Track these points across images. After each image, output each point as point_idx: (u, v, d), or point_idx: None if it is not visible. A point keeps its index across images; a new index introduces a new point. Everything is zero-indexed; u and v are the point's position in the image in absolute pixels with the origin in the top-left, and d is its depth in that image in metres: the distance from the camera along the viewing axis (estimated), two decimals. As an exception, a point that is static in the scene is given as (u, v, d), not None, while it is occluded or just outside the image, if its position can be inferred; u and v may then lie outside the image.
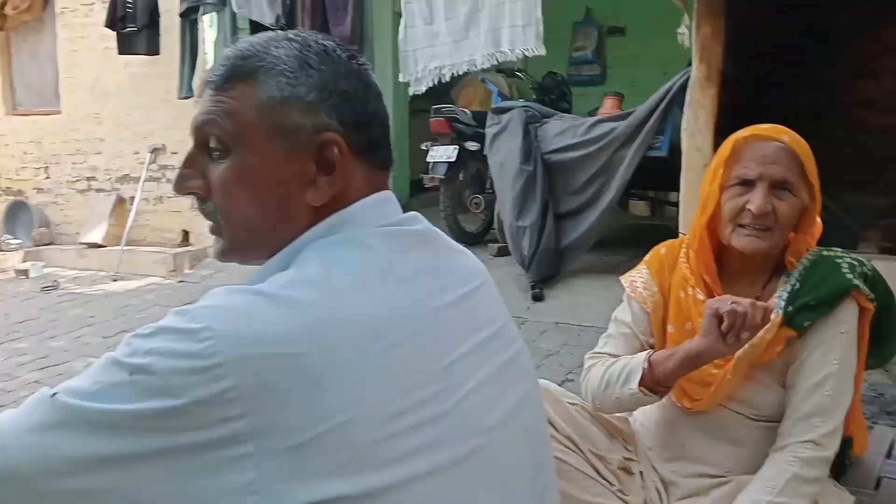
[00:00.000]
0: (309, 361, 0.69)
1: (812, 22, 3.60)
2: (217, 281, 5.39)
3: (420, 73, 4.44)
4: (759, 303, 1.24)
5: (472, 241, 5.28)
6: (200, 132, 0.84)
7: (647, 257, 1.57)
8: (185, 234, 6.15)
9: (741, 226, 1.36)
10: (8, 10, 6.83)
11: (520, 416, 0.87)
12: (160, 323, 0.71)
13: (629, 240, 5.33)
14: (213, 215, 0.86)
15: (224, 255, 0.88)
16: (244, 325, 0.69)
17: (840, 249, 1.41)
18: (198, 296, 3.43)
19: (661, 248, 1.55)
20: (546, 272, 4.29)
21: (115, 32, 5.91)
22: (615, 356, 1.49)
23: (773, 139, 1.36)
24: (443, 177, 5.13)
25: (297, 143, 0.81)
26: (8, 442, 0.70)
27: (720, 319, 1.24)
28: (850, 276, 1.33)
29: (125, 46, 5.92)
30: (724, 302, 1.24)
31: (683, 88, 3.67)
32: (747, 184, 1.35)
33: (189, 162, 0.85)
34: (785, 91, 3.79)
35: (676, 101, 3.89)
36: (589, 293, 4.15)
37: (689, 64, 3.68)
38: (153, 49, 5.82)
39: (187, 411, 0.66)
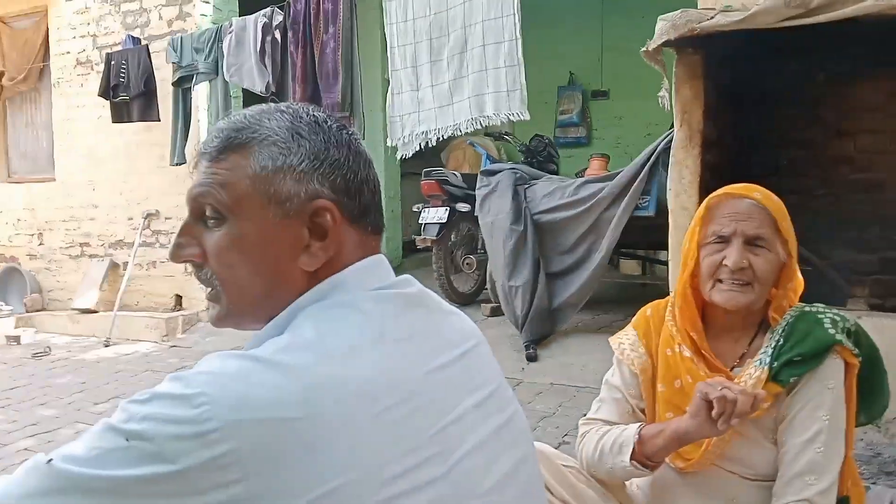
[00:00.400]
0: (304, 426, 0.70)
1: (789, 83, 3.72)
2: (210, 346, 5.36)
3: (407, 137, 4.53)
4: (750, 391, 1.26)
5: (465, 301, 5.30)
6: (196, 202, 0.86)
7: (634, 319, 1.59)
8: (178, 298, 6.13)
9: (720, 281, 1.40)
10: (5, 81, 6.98)
11: (516, 480, 0.87)
12: (155, 389, 0.72)
13: (621, 298, 5.36)
14: (209, 282, 0.87)
15: (220, 320, 0.90)
16: (239, 390, 0.70)
17: (822, 305, 1.43)
18: (190, 360, 3.43)
19: (648, 310, 1.58)
20: (539, 332, 4.30)
21: (108, 101, 6.01)
22: (608, 422, 1.51)
23: (746, 196, 1.41)
24: (435, 238, 5.19)
25: (291, 211, 0.83)
26: None
27: (710, 404, 1.25)
28: (832, 331, 1.36)
29: (118, 115, 6.01)
30: (715, 387, 1.25)
31: (668, 149, 3.76)
32: (723, 240, 1.40)
33: (185, 230, 0.88)
34: (767, 150, 3.89)
35: (661, 161, 3.99)
36: (583, 353, 4.15)
37: (673, 125, 3.78)
38: (148, 116, 5.91)
39: (184, 477, 0.67)
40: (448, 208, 5.20)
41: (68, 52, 6.72)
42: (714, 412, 1.24)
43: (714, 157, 3.53)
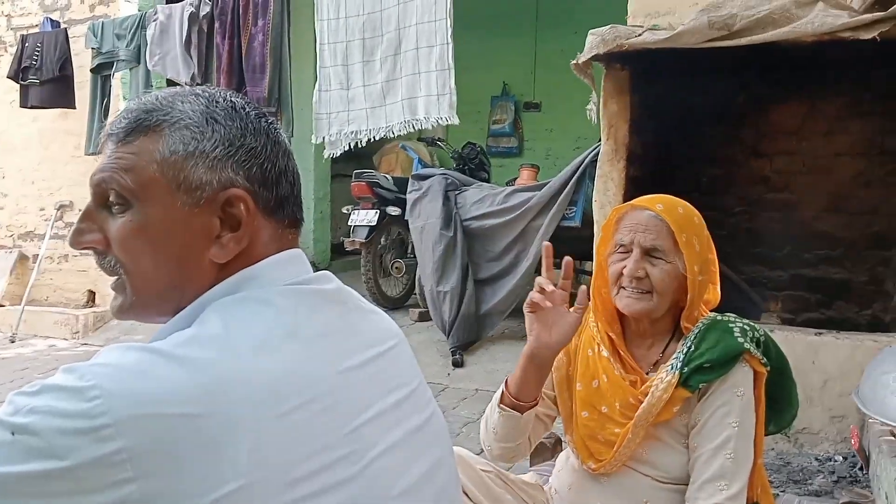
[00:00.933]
0: (205, 423, 0.66)
1: (713, 102, 3.86)
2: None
3: (335, 136, 4.49)
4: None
5: (393, 305, 5.27)
6: (99, 187, 0.81)
7: None
8: (91, 294, 5.91)
9: (623, 288, 1.45)
10: None
11: (432, 482, 0.85)
12: (47, 381, 0.67)
13: (546, 306, 5.41)
14: (114, 270, 0.83)
15: (123, 312, 0.85)
16: (136, 384, 0.66)
17: (734, 315, 1.48)
18: (99, 359, 3.22)
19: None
20: (466, 338, 4.31)
21: (17, 84, 5.74)
22: None
23: (647, 209, 1.45)
24: (364, 240, 5.14)
25: (202, 199, 0.79)
26: None
27: (533, 309, 1.37)
28: (741, 339, 1.40)
29: (26, 99, 5.74)
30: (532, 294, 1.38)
31: (595, 161, 3.84)
32: (625, 250, 1.45)
33: (87, 216, 0.83)
34: (689, 166, 4.02)
35: (588, 173, 4.07)
36: (509, 359, 4.17)
37: (600, 138, 3.86)
38: (62, 103, 5.65)
39: (73, 474, 0.63)
40: (378, 211, 5.16)
41: (-21, 32, 6.38)
42: (527, 306, 1.36)
43: (638, 171, 3.62)
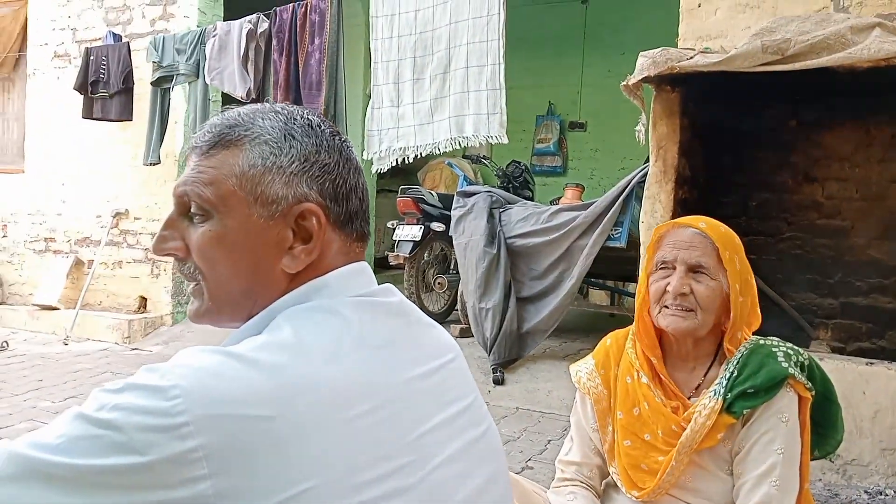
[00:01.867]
0: (277, 425, 0.69)
1: (764, 126, 3.82)
2: (171, 350, 5.27)
3: (384, 152, 4.55)
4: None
5: (434, 320, 5.28)
6: (182, 197, 0.86)
7: (595, 349, 1.62)
8: (143, 300, 6.02)
9: (666, 307, 1.44)
10: (-22, 68, 6.86)
11: (487, 496, 0.86)
12: (130, 379, 0.70)
13: (589, 327, 5.41)
14: (192, 276, 0.87)
15: (199, 316, 0.89)
16: (214, 384, 0.69)
17: (777, 339, 1.46)
18: (150, 363, 3.38)
19: (608, 339, 1.61)
20: (507, 355, 4.31)
21: (82, 96, 5.92)
22: (579, 465, 1.56)
23: (690, 226, 1.45)
24: (408, 255, 5.19)
25: (277, 212, 0.83)
26: None
27: None
28: (785, 364, 1.38)
29: (89, 111, 5.90)
30: None
31: (642, 182, 3.82)
32: (668, 267, 1.44)
33: (169, 224, 0.87)
34: (738, 190, 3.98)
35: (635, 194, 4.06)
36: (550, 379, 4.16)
37: (648, 159, 3.85)
38: (125, 115, 5.83)
39: (152, 469, 0.65)
40: (423, 227, 5.22)
41: (46, 44, 6.63)
42: None
43: (686, 194, 3.60)
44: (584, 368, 1.59)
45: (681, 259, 1.42)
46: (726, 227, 1.49)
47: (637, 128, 3.54)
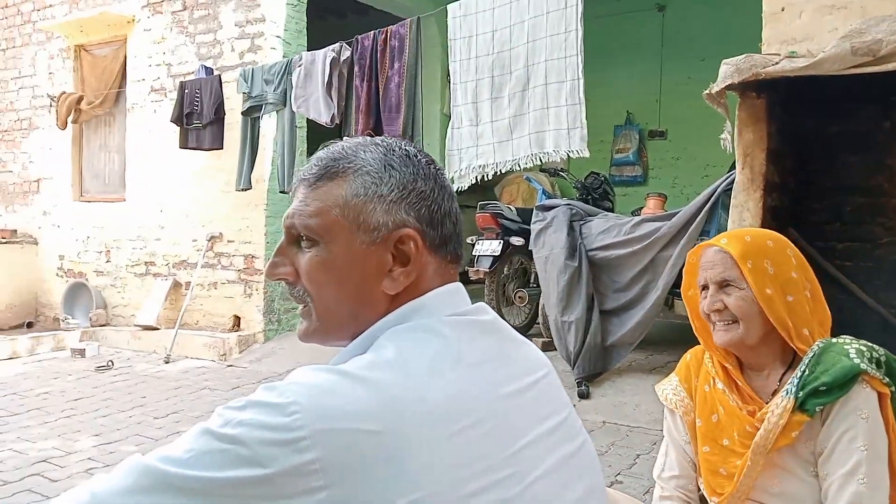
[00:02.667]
0: (385, 439, 0.73)
1: (855, 129, 3.68)
2: (264, 367, 5.48)
3: (464, 170, 4.62)
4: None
5: (516, 335, 5.30)
6: (291, 226, 0.92)
7: (677, 366, 1.68)
8: (237, 319, 6.27)
9: (714, 324, 1.50)
10: (83, 105, 7.34)
11: None
12: (250, 397, 0.76)
13: (675, 339, 5.30)
14: (301, 299, 0.93)
15: (308, 335, 0.95)
16: (327, 401, 0.74)
17: (850, 337, 1.44)
18: (245, 379, 3.57)
19: (688, 355, 1.66)
20: (592, 369, 4.28)
21: (178, 127, 6.26)
22: (678, 478, 1.58)
23: (712, 245, 1.52)
24: (487, 270, 5.23)
25: (378, 238, 0.88)
26: (103, 503, 0.74)
27: None
28: (857, 360, 1.36)
29: (185, 141, 6.24)
30: None
31: (728, 190, 3.75)
32: (705, 288, 1.52)
33: (280, 251, 0.94)
34: (831, 196, 3.84)
35: (721, 202, 3.97)
36: (636, 392, 4.11)
37: (732, 166, 3.77)
38: (217, 144, 6.14)
39: (274, 481, 0.71)
40: (502, 241, 5.25)
41: (143, 80, 7.04)
42: None
43: (776, 201, 3.51)
44: (668, 386, 1.64)
45: (709, 278, 1.49)
46: (758, 233, 1.54)
47: (722, 136, 3.48)
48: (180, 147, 6.29)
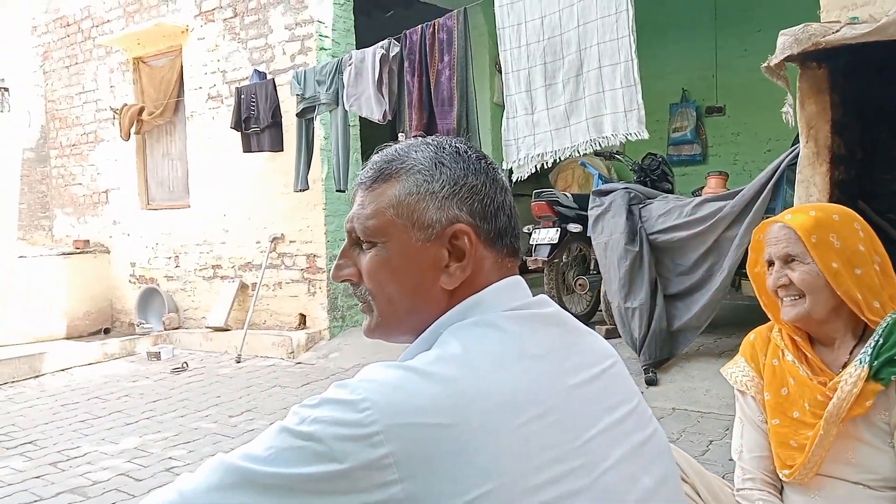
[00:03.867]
0: (455, 432, 0.75)
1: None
2: (331, 362, 5.59)
3: (522, 160, 4.59)
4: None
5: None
6: (351, 229, 0.96)
7: (740, 347, 1.68)
8: (302, 317, 6.41)
9: (781, 300, 1.52)
10: (144, 115, 7.59)
11: (659, 497, 0.89)
12: (324, 395, 0.79)
13: (744, 321, 5.16)
14: (364, 297, 0.97)
15: (371, 331, 0.99)
16: (397, 396, 0.77)
17: None
18: (314, 376, 3.66)
19: (751, 335, 1.67)
20: (659, 355, 4.21)
21: (239, 133, 6.42)
22: (758, 458, 1.56)
23: (776, 222, 1.54)
24: (546, 259, 5.20)
25: (433, 234, 0.91)
26: (190, 501, 0.79)
27: None
28: None
29: (248, 145, 6.40)
30: None
31: (793, 165, 3.63)
32: (771, 264, 1.53)
33: (343, 254, 0.98)
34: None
35: (786, 177, 3.85)
36: (706, 377, 4.03)
37: (796, 140, 3.65)
38: (277, 146, 6.26)
39: (350, 475, 0.73)
40: (559, 229, 5.21)
41: (200, 88, 7.23)
42: None
43: (843, 174, 3.38)
44: (736, 368, 1.64)
45: (773, 254, 1.51)
46: (824, 207, 1.57)
47: (784, 109, 3.37)
48: (244, 151, 6.43)
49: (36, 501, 3.20)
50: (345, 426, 0.75)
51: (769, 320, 1.65)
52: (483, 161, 0.96)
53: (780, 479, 1.54)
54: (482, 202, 0.93)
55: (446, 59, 4.87)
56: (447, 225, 0.91)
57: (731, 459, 1.65)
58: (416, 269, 0.92)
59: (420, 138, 1.00)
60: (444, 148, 0.95)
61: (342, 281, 0.98)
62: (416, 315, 0.93)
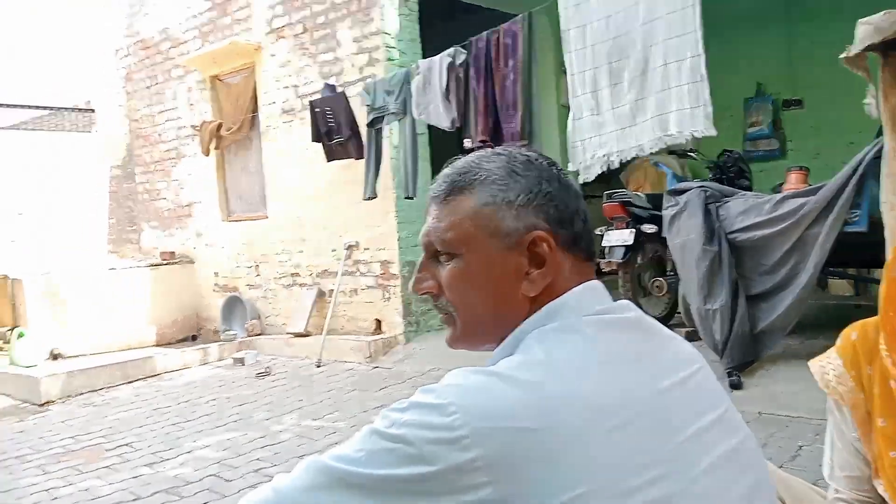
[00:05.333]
0: (542, 437, 0.76)
1: None
2: (407, 366, 5.67)
3: (589, 161, 4.56)
4: None
5: (655, 325, 5.17)
6: (428, 243, 0.98)
7: (838, 343, 1.42)
8: (378, 323, 6.52)
9: None
10: (223, 131, 7.89)
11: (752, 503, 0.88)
12: (411, 399, 0.82)
13: (832, 321, 4.97)
14: (445, 309, 0.99)
15: (455, 342, 1.01)
16: (483, 401, 0.78)
17: None
18: (391, 380, 3.74)
19: (852, 333, 1.40)
20: (742, 358, 4.10)
21: (321, 144, 6.55)
22: (851, 479, 1.40)
23: None
24: (620, 261, 5.12)
25: (511, 243, 0.92)
26: (286, 499, 0.83)
27: None
28: None
29: (332, 155, 6.52)
30: None
31: (877, 159, 3.50)
32: None
33: (422, 267, 1.00)
34: None
35: (871, 172, 3.71)
36: (793, 380, 3.90)
37: (880, 132, 3.51)
38: (355, 155, 6.33)
39: (440, 477, 0.76)
40: (633, 230, 5.12)
41: (274, 103, 7.46)
42: None
43: (934, 165, 3.23)
44: (830, 367, 1.40)
45: None
46: None
47: (866, 101, 3.25)
48: (328, 161, 6.51)
49: (134, 500, 3.39)
50: (433, 429, 0.77)
51: (858, 319, 1.43)
52: (554, 168, 0.98)
53: (881, 495, 1.35)
54: (557, 208, 0.94)
55: (511, 63, 4.89)
56: (525, 233, 0.92)
57: (820, 465, 1.50)
58: (497, 279, 0.93)
59: (488, 149, 1.02)
60: (515, 157, 0.97)
61: (422, 294, 1.00)
62: (498, 323, 0.94)
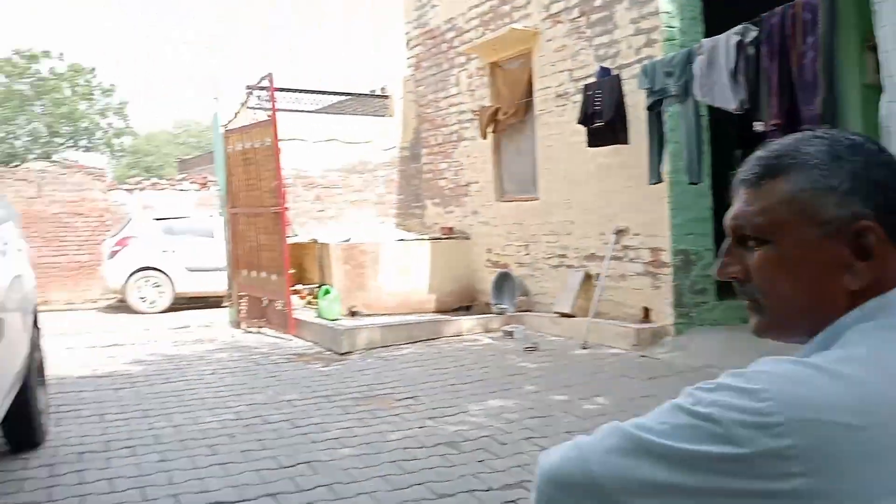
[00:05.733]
0: (865, 436, 0.74)
1: None
2: (678, 359, 5.55)
3: (905, 146, 4.05)
4: None
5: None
6: (736, 227, 0.97)
7: None
8: (646, 311, 6.44)
9: None
10: (500, 115, 8.28)
11: None
12: (719, 380, 0.82)
13: None
14: (751, 296, 0.97)
15: (762, 331, 0.98)
16: (799, 391, 0.77)
17: None
18: (660, 371, 3.74)
19: None
20: None
21: (585, 128, 6.66)
22: None
23: None
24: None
25: (832, 231, 0.88)
26: (590, 458, 0.87)
27: None
28: None
29: (593, 140, 6.61)
30: None
31: None
32: None
33: (728, 252, 0.99)
34: None
35: None
36: None
37: None
38: (620, 140, 6.38)
39: (748, 460, 0.76)
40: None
41: (548, 87, 7.64)
42: None
43: None
44: None
45: None
46: None
47: None
48: (588, 146, 6.66)
49: (420, 447, 3.80)
50: (744, 413, 0.77)
51: None
52: (884, 154, 0.92)
53: None
54: (887, 197, 0.89)
55: (810, 40, 4.50)
56: (849, 221, 0.88)
57: None
58: (813, 268, 0.90)
59: (807, 132, 0.97)
60: (839, 141, 0.92)
61: (727, 279, 0.98)
62: (812, 315, 0.91)
